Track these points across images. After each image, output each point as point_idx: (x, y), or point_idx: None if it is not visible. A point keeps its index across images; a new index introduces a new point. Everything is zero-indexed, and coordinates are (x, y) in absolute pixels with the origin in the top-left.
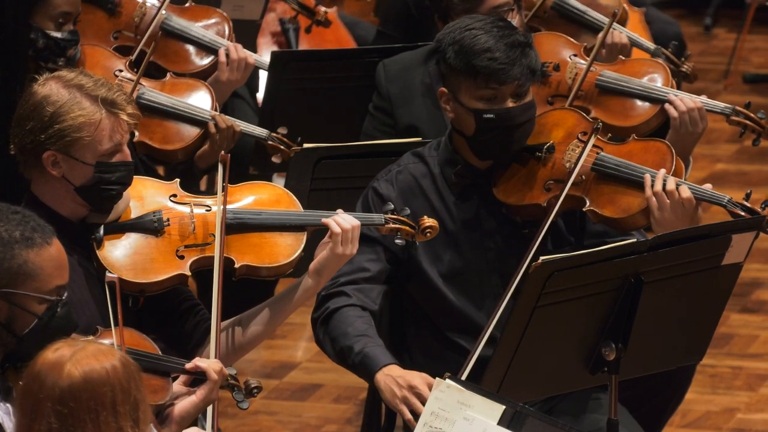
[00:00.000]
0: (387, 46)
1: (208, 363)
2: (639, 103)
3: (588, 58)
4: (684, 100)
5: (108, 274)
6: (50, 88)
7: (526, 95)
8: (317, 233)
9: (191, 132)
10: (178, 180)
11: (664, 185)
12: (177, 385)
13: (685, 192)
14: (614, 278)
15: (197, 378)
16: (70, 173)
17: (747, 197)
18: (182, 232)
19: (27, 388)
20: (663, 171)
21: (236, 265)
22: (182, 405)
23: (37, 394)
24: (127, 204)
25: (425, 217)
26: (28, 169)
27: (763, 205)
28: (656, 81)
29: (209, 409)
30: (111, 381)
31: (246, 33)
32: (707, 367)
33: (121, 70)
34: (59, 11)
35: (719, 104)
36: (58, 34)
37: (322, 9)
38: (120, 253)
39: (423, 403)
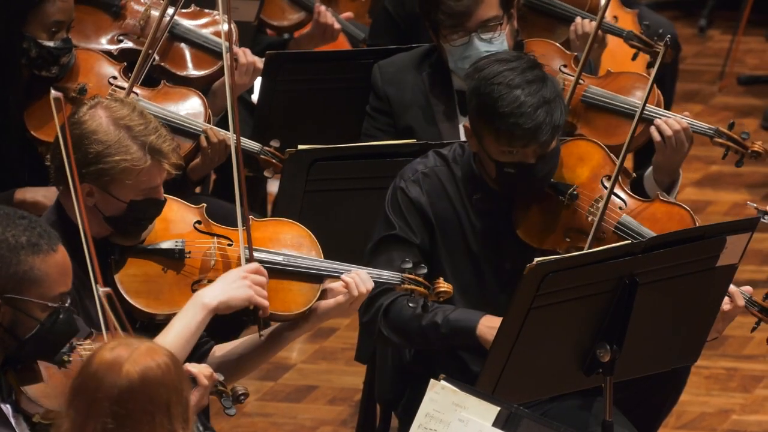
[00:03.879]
0: (381, 47)
1: (198, 368)
2: (624, 121)
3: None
4: (669, 123)
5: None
6: (99, 123)
7: (550, 146)
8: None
9: (183, 144)
10: (204, 205)
11: None
12: None
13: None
14: (609, 279)
15: None
16: (103, 205)
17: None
18: (202, 266)
19: (83, 386)
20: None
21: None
22: None
23: (95, 393)
24: (152, 227)
25: (441, 279)
26: (60, 184)
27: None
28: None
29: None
30: (165, 381)
31: (241, 34)
32: (702, 368)
33: (115, 77)
34: (52, 20)
35: (703, 125)
36: (50, 43)
37: None
38: (136, 279)
39: None
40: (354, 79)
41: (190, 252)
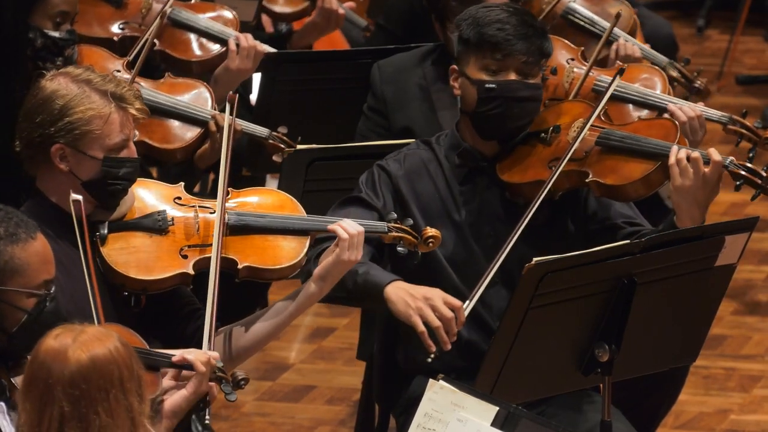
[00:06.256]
0: (380, 47)
1: (195, 355)
2: (637, 109)
3: (585, 63)
4: (684, 110)
5: (73, 195)
6: (59, 82)
7: (533, 77)
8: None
9: (191, 131)
10: (182, 183)
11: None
12: (166, 380)
13: (715, 156)
14: (608, 279)
15: (186, 372)
16: (78, 167)
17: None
18: (186, 231)
19: (34, 376)
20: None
21: (239, 266)
22: (173, 399)
23: (46, 380)
24: (132, 203)
25: (428, 227)
26: (34, 165)
27: (765, 168)
28: (654, 87)
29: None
30: (116, 360)
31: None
32: (700, 368)
33: (118, 71)
34: (57, 11)
35: (716, 113)
36: (56, 34)
37: None
38: (123, 251)
39: (438, 317)
40: (353, 79)
41: (173, 219)
